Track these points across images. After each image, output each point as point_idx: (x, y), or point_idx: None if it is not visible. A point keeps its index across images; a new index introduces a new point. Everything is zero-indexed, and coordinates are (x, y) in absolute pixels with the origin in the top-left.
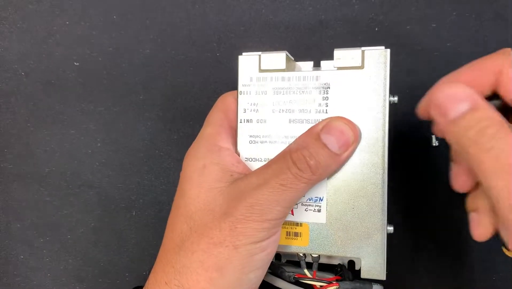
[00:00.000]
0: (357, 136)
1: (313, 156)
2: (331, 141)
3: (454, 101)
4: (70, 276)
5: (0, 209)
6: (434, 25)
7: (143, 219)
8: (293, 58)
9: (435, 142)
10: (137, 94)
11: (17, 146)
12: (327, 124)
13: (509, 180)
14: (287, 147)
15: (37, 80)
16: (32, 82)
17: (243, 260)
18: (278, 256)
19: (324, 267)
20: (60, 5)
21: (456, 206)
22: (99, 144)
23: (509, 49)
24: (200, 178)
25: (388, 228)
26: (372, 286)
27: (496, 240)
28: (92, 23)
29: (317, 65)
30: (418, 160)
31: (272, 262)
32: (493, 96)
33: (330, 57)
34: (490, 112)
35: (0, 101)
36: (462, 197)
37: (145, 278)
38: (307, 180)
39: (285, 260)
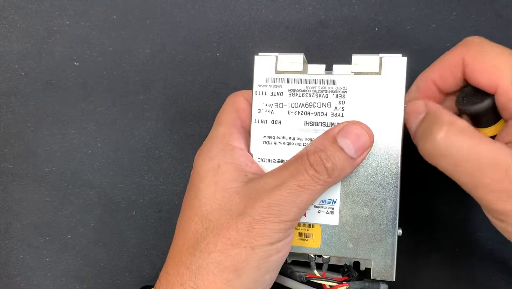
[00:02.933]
0: (372, 141)
1: (330, 158)
2: (348, 145)
3: (414, 116)
4: (70, 276)
5: (0, 209)
6: (434, 25)
7: (143, 219)
8: (306, 61)
9: None
10: (137, 94)
11: (17, 146)
12: (344, 128)
13: (465, 176)
14: (304, 149)
15: (37, 80)
16: (32, 82)
17: (260, 261)
18: None
19: (329, 267)
20: (60, 5)
21: (457, 207)
22: (99, 144)
23: (470, 38)
24: (215, 177)
25: (399, 230)
26: (380, 285)
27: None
28: (92, 23)
29: (329, 69)
30: (418, 161)
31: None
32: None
33: (329, 57)
34: (438, 115)
35: (0, 101)
36: (462, 198)
37: (145, 278)
38: (324, 182)
39: (290, 260)
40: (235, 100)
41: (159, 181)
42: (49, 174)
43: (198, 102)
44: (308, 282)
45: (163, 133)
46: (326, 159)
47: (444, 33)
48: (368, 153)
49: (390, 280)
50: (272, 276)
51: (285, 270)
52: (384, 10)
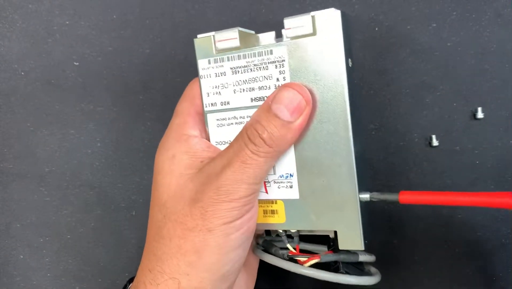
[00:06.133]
0: (308, 100)
1: (265, 128)
2: (281, 110)
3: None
4: (70, 276)
5: (0, 209)
6: (434, 25)
7: (143, 219)
8: (253, 32)
9: (435, 143)
10: (137, 94)
11: (17, 146)
12: (277, 94)
13: None
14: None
15: (37, 80)
16: (31, 82)
17: (219, 241)
18: (268, 232)
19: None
20: (60, 5)
21: (456, 207)
22: (99, 144)
23: None
24: (171, 167)
25: (363, 195)
26: (358, 256)
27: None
28: (92, 23)
29: (279, 35)
30: (419, 160)
31: (265, 240)
32: None
33: None
34: None
35: (0, 101)
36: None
37: None
38: (265, 153)
39: (275, 234)
40: (191, 88)
41: None
42: (49, 174)
43: None
44: (291, 259)
45: (163, 133)
46: (261, 129)
47: (444, 33)
48: (307, 114)
49: (359, 249)
50: (238, 253)
51: (270, 248)
52: (384, 10)
